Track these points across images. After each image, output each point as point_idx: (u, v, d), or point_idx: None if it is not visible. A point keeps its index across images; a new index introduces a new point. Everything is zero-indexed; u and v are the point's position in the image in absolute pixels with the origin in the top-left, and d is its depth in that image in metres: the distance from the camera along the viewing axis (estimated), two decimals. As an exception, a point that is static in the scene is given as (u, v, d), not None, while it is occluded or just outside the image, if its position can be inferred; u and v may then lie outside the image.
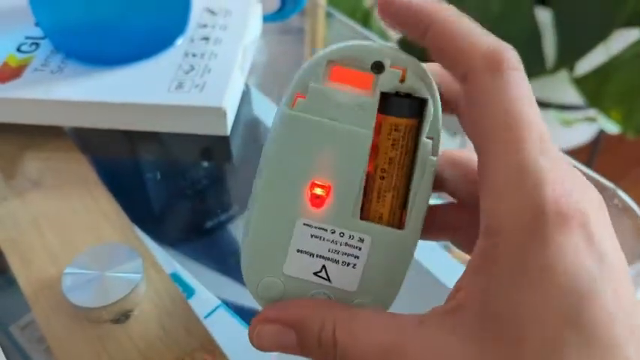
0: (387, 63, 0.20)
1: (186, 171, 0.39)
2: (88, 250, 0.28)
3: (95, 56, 0.35)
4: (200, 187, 0.39)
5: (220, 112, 0.33)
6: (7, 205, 0.32)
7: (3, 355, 0.23)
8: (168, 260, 0.31)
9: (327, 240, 0.21)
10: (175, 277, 0.30)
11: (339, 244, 0.21)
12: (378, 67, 0.20)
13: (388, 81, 0.20)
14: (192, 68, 0.35)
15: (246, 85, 0.39)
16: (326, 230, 0.20)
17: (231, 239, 0.38)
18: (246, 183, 0.40)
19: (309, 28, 0.51)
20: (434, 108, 0.20)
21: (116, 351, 0.25)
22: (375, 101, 0.20)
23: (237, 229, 0.37)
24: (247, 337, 0.20)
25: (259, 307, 0.22)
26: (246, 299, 0.31)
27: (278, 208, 0.21)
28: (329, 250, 0.21)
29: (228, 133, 0.34)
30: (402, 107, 0.20)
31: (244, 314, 0.30)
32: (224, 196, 0.41)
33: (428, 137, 0.20)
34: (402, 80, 0.20)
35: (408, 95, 0.20)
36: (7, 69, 0.35)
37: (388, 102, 0.20)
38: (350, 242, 0.21)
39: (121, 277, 0.27)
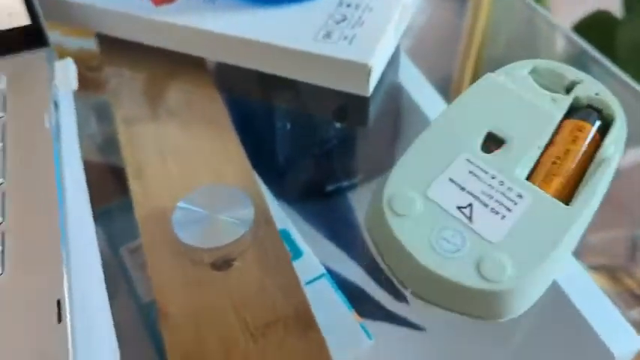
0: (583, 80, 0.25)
1: (318, 127, 0.37)
2: (203, 189, 0.27)
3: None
4: (328, 146, 0.37)
5: (365, 70, 0.30)
6: (140, 127, 0.32)
7: (101, 271, 0.23)
8: (281, 216, 0.29)
9: (484, 182, 0.21)
10: (285, 235, 0.29)
11: (495, 190, 0.21)
12: (574, 84, 0.25)
13: (583, 91, 0.24)
14: (344, 18, 0.32)
15: (397, 47, 0.36)
16: (487, 173, 0.21)
17: (349, 207, 0.35)
18: (376, 151, 0.37)
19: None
20: (618, 123, 0.23)
21: (209, 297, 0.24)
22: (568, 99, 0.24)
23: (358, 198, 0.34)
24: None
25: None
26: (351, 273, 0.29)
27: (447, 137, 0.22)
28: (482, 192, 0.21)
29: (369, 93, 0.31)
30: (591, 115, 0.24)
31: (346, 288, 0.27)
32: (351, 161, 0.38)
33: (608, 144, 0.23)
34: (596, 94, 0.24)
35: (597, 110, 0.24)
36: (164, -7, 0.34)
37: (580, 108, 0.24)
38: (507, 194, 0.21)
39: (231, 222, 0.26)
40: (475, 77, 0.25)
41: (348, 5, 0.33)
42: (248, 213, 0.26)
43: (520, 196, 0.21)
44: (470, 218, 0.20)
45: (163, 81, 0.35)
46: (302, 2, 0.33)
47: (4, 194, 0.25)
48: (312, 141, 0.37)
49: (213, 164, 0.30)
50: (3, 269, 0.22)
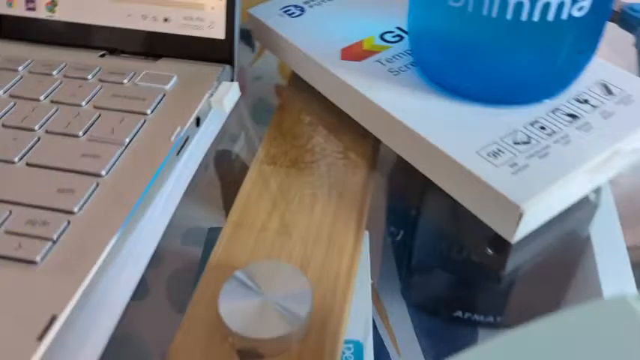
0: None
1: (465, 243, 0.31)
2: (269, 264, 0.24)
3: (439, 78, 0.29)
4: (472, 269, 0.31)
5: (515, 213, 0.24)
6: (272, 168, 0.30)
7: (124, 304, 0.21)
8: (367, 324, 0.25)
9: None
10: (356, 347, 0.24)
11: None
12: None
13: None
14: (528, 141, 0.26)
15: (596, 197, 0.28)
16: None
17: (472, 343, 0.29)
18: (528, 297, 0.30)
19: None
20: None
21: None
22: None
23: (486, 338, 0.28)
24: None
25: None
26: None
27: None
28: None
29: (514, 241, 0.25)
30: None
31: None
32: (492, 296, 0.32)
33: None
34: None
35: None
36: (357, 49, 0.32)
37: None
38: None
39: (278, 313, 0.22)
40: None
41: (542, 128, 0.27)
42: (302, 310, 0.22)
43: None
44: None
45: (322, 132, 0.33)
46: (491, 104, 0.28)
47: (97, 185, 0.25)
48: (454, 253, 0.32)
49: (320, 239, 0.27)
50: (42, 259, 0.22)
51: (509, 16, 0.24)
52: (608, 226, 0.30)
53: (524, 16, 0.24)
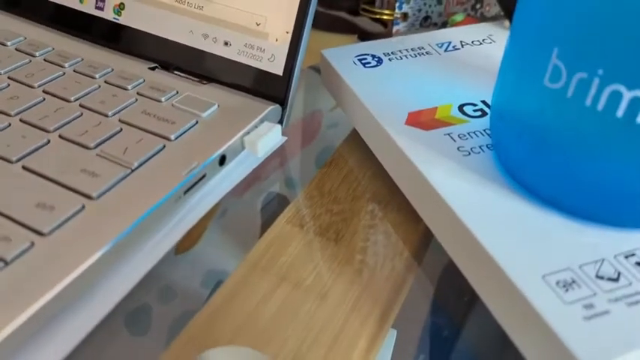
0: None
1: None
2: (236, 350, 0.19)
3: (517, 172, 0.24)
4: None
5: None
6: (293, 229, 0.26)
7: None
8: None
9: None
10: None
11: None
12: None
13: None
14: (616, 278, 0.20)
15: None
16: None
17: None
18: None
19: None
20: None
21: None
22: None
23: None
24: None
25: None
26: None
27: None
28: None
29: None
30: None
31: None
32: None
33: None
34: None
35: None
36: (428, 116, 0.27)
37: None
38: None
39: None
40: None
41: (639, 264, 0.20)
42: None
43: None
44: None
45: (369, 203, 0.28)
46: (601, 223, 0.22)
47: (82, 208, 0.22)
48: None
49: (324, 333, 0.22)
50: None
51: (619, 113, 0.19)
52: None
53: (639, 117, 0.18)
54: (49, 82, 0.29)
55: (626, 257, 0.21)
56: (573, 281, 0.20)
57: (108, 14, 0.32)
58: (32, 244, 0.20)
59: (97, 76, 0.29)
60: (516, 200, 0.23)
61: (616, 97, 0.18)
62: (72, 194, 0.22)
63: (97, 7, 0.33)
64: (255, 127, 0.27)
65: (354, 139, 0.32)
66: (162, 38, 0.31)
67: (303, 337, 0.22)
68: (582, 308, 0.19)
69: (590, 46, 0.18)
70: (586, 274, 0.20)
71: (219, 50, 0.30)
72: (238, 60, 0.29)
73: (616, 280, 0.20)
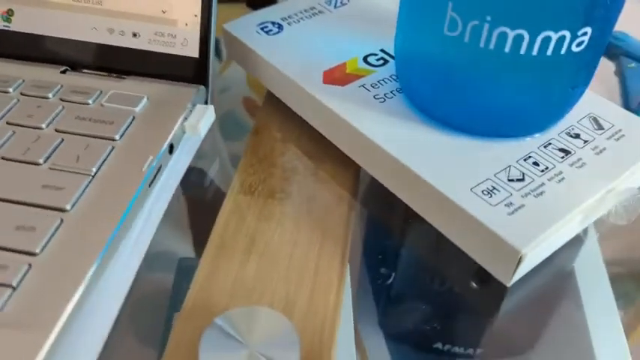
0: None
1: (448, 275, 0.30)
2: (250, 310, 0.22)
3: (427, 108, 0.28)
4: (453, 300, 0.30)
5: (514, 257, 0.23)
6: (247, 198, 0.28)
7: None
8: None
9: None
10: None
11: None
12: None
13: None
14: (522, 178, 0.25)
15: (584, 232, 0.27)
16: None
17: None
18: (509, 333, 0.29)
19: None
20: None
21: None
22: None
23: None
24: None
25: None
26: None
27: None
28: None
29: (510, 284, 0.24)
30: None
31: None
32: (472, 329, 0.31)
33: None
34: None
35: None
36: (340, 73, 0.31)
37: None
38: None
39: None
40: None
41: (536, 164, 0.26)
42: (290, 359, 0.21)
43: None
44: None
45: (302, 159, 0.31)
46: (486, 138, 0.27)
47: (61, 222, 0.23)
48: (437, 285, 0.31)
49: (303, 277, 0.25)
50: (1, 309, 0.19)
51: (507, 49, 0.23)
52: (592, 260, 0.29)
53: (522, 50, 0.23)
54: (-40, 105, 0.28)
55: (525, 160, 0.26)
56: (493, 188, 0.25)
57: (-4, 23, 0.31)
58: (30, 265, 0.21)
59: (10, 90, 0.29)
60: (431, 130, 0.28)
61: (503, 37, 0.23)
62: (45, 211, 0.23)
63: (-19, 17, 0.32)
64: (190, 111, 0.29)
65: (271, 103, 0.34)
66: (65, 39, 0.31)
67: (286, 285, 0.25)
68: (504, 207, 0.24)
69: (479, -1, 0.23)
70: (501, 180, 0.25)
71: (128, 42, 0.31)
72: (151, 49, 0.30)
73: (522, 180, 0.25)
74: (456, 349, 0.29)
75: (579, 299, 0.28)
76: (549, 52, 0.23)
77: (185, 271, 0.27)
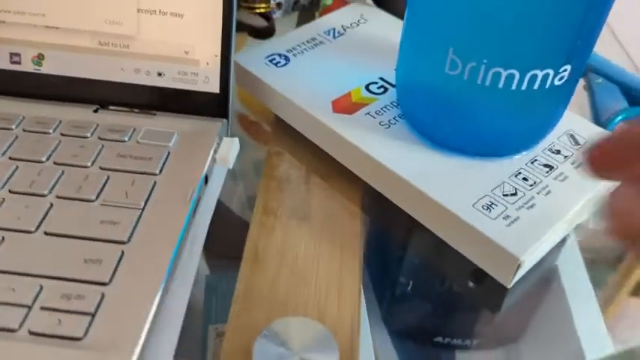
0: None
1: (448, 274, 0.34)
2: (292, 322, 0.26)
3: (428, 133, 0.32)
4: (452, 297, 0.34)
5: (514, 263, 0.27)
6: (272, 220, 0.32)
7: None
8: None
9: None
10: None
11: None
12: None
13: None
14: (514, 193, 0.29)
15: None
16: None
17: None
18: (502, 325, 0.33)
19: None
20: None
21: None
22: None
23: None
24: None
25: None
26: None
27: None
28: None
29: (510, 286, 0.28)
30: None
31: None
32: (470, 322, 0.35)
33: None
34: None
35: None
36: (347, 102, 0.34)
37: None
38: None
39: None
40: None
41: (525, 179, 0.30)
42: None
43: None
44: None
45: (315, 180, 0.35)
46: (476, 157, 0.31)
47: (122, 254, 0.26)
48: (437, 285, 0.35)
49: (330, 288, 0.29)
50: (85, 334, 0.23)
51: (500, 85, 0.27)
52: (573, 258, 0.33)
53: (513, 86, 0.27)
54: (8, 148, 0.30)
55: (515, 176, 0.30)
56: (492, 203, 0.29)
57: (27, 66, 0.34)
58: (102, 294, 0.24)
59: (50, 131, 0.32)
60: (432, 153, 0.32)
61: (497, 75, 0.27)
62: (107, 244, 0.26)
63: (12, 62, 0.34)
64: (218, 144, 0.32)
65: (280, 128, 0.38)
66: (95, 80, 0.34)
67: (317, 296, 0.29)
68: (503, 219, 0.28)
69: (477, 45, 0.27)
70: (497, 196, 0.29)
71: (154, 81, 0.34)
72: (175, 87, 0.34)
73: (515, 194, 0.29)
74: (455, 342, 0.33)
75: (563, 292, 0.32)
76: (536, 86, 0.27)
77: (214, 288, 0.30)
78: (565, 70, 0.27)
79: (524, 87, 0.27)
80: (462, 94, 0.29)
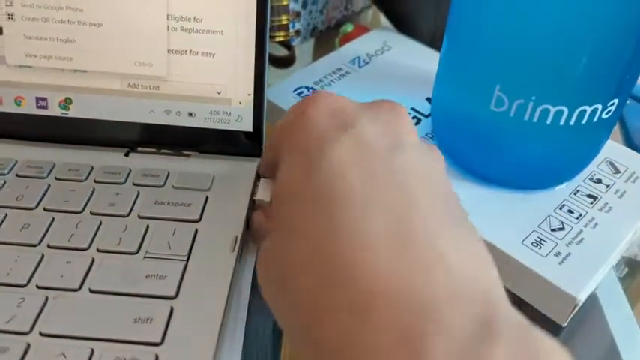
0: None
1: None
2: None
3: (467, 166, 0.31)
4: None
5: (571, 303, 0.26)
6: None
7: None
8: None
9: None
10: None
11: None
12: None
13: None
14: (562, 228, 0.29)
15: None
16: None
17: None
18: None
19: None
20: None
21: None
22: None
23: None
24: None
25: None
26: None
27: None
28: None
29: (565, 324, 0.27)
30: None
31: None
32: None
33: None
34: None
35: None
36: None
37: None
38: None
39: None
40: None
41: (570, 211, 0.30)
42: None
43: None
44: None
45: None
46: (519, 190, 0.31)
47: (172, 310, 0.25)
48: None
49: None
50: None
51: (548, 121, 0.27)
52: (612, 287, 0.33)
53: (562, 122, 0.27)
54: (41, 198, 0.30)
55: (560, 209, 0.30)
56: (540, 239, 0.28)
57: (54, 111, 0.33)
58: (156, 356, 0.23)
59: (83, 178, 0.31)
60: (473, 186, 0.31)
61: (545, 112, 0.27)
62: (155, 300, 0.25)
63: (39, 107, 0.33)
64: (256, 185, 0.31)
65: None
66: (124, 122, 0.33)
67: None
68: (554, 257, 0.28)
69: (525, 82, 0.26)
70: (544, 231, 0.29)
71: (185, 122, 0.33)
72: (207, 127, 0.33)
73: (562, 229, 0.29)
74: None
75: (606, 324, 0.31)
76: (584, 121, 0.27)
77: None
78: (613, 104, 0.27)
79: (572, 122, 0.27)
80: (508, 130, 0.28)
